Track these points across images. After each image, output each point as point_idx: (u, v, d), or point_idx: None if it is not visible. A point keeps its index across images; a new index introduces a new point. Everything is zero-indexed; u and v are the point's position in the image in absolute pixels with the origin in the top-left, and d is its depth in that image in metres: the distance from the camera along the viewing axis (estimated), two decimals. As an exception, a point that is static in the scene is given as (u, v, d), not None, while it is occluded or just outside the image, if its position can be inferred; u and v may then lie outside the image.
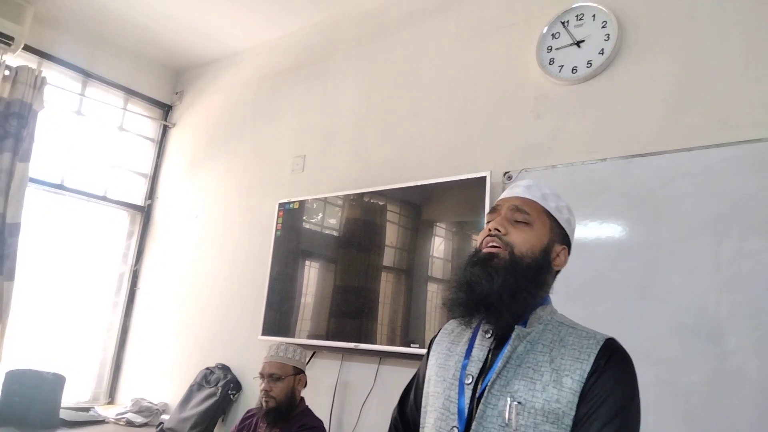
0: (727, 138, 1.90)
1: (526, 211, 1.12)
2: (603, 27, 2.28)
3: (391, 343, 2.55)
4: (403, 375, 2.51)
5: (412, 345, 2.44)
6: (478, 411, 1.01)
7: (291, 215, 3.17)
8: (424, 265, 2.57)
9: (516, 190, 1.18)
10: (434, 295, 2.51)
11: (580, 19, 2.36)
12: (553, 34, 2.43)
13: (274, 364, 2.28)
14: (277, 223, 3.20)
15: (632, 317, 1.93)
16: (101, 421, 3.33)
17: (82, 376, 3.80)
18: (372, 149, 3.03)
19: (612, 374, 0.98)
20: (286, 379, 2.26)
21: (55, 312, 3.72)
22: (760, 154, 1.82)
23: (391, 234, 2.74)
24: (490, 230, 1.12)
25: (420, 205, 2.68)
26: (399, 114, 2.96)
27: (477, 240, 1.15)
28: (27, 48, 3.51)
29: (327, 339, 2.77)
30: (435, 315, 2.46)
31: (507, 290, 1.04)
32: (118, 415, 3.37)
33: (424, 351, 1.34)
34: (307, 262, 3.07)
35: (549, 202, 1.15)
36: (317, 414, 2.33)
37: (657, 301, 1.90)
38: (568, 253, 1.16)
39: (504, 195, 1.20)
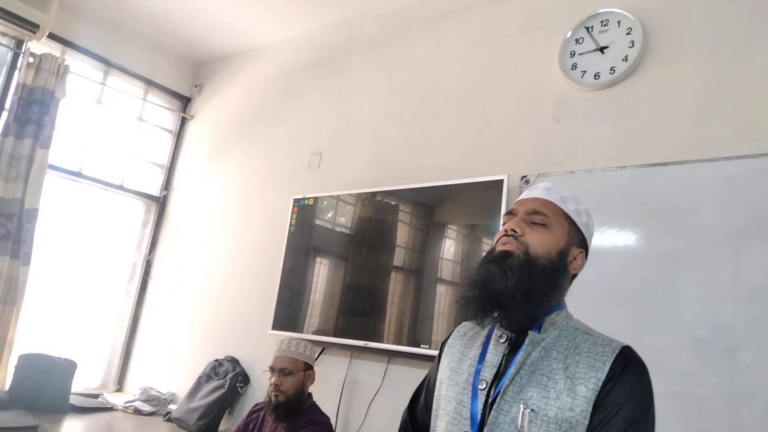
0: (752, 150, 1.87)
1: (543, 213, 1.11)
2: (628, 34, 2.26)
3: (398, 342, 2.54)
4: (412, 375, 2.51)
5: (422, 346, 2.43)
6: (491, 417, 1.00)
7: (305, 211, 3.17)
8: (434, 267, 2.56)
9: (535, 191, 1.17)
10: (443, 297, 2.50)
11: (605, 25, 2.34)
12: (576, 39, 2.41)
13: (286, 358, 2.28)
14: (291, 219, 3.21)
15: (647, 327, 1.91)
16: (110, 408, 3.36)
17: (92, 362, 3.84)
18: (389, 149, 3.02)
19: (627, 384, 0.96)
20: (297, 374, 2.26)
21: (68, 298, 3.76)
22: (784, 168, 1.79)
23: (403, 234, 2.73)
24: (506, 231, 1.11)
25: (433, 206, 2.67)
26: (417, 114, 2.95)
27: (493, 240, 1.15)
28: (51, 36, 3.55)
29: (335, 336, 2.78)
30: (443, 316, 2.45)
31: (521, 289, 1.03)
32: (126, 402, 3.40)
33: (433, 352, 1.33)
34: (319, 259, 3.07)
35: (568, 204, 1.14)
36: (324, 410, 2.33)
37: (672, 312, 1.88)
38: (586, 257, 1.15)
39: (522, 196, 1.19)
